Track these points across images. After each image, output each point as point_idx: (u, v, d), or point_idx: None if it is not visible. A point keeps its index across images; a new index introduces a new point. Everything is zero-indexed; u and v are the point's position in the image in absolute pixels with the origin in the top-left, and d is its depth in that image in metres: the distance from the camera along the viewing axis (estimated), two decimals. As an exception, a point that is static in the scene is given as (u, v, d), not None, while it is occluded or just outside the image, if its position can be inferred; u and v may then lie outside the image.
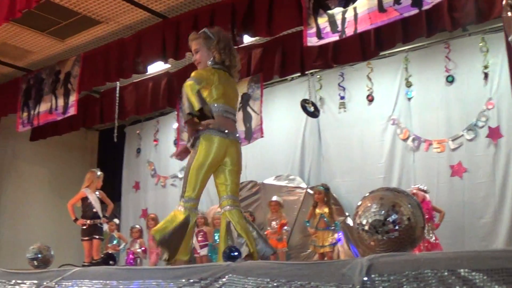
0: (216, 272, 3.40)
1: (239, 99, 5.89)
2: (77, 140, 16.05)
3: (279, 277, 3.16)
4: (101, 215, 9.36)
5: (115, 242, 11.95)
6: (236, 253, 3.56)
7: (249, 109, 10.65)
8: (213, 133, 5.12)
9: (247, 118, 10.65)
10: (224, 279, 3.35)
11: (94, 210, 8.94)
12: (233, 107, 5.44)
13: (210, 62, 5.38)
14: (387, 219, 3.31)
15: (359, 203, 3.53)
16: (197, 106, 4.81)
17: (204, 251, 11.22)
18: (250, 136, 10.57)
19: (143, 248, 11.83)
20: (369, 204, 3.41)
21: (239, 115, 10.74)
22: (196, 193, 5.26)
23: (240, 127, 10.69)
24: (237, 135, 5.48)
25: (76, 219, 9.36)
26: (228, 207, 5.35)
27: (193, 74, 5.21)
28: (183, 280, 3.53)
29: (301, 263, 3.30)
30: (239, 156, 5.41)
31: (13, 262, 11.86)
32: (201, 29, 5.72)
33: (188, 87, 4.94)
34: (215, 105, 5.17)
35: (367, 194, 3.58)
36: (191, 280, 3.49)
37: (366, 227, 3.38)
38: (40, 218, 15.13)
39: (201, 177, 5.21)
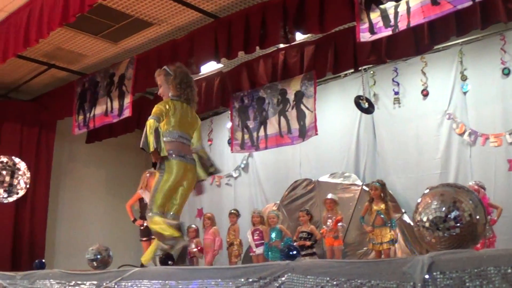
0: (275, 271, 3.38)
1: (199, 125, 6.63)
2: (132, 142, 16.16)
3: (338, 276, 3.13)
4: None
5: (171, 242, 12.02)
6: (294, 252, 3.54)
7: (302, 107, 10.59)
8: (174, 158, 5.96)
9: (300, 116, 10.59)
10: (283, 278, 3.33)
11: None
12: (187, 133, 6.28)
13: (170, 95, 6.27)
14: (448, 216, 3.25)
15: (419, 199, 3.48)
16: (151, 147, 5.68)
17: (260, 250, 11.21)
18: (304, 133, 10.52)
19: (199, 248, 11.88)
20: (429, 201, 3.35)
21: (293, 113, 10.71)
22: (164, 206, 6.03)
23: (294, 125, 10.67)
24: (192, 157, 6.25)
25: (134, 220, 9.43)
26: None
27: (154, 109, 6.03)
28: (242, 280, 3.52)
29: (361, 261, 3.27)
30: (193, 181, 6.27)
31: (70, 263, 12.08)
32: (254, 28, 5.96)
33: (148, 125, 5.78)
34: (173, 131, 6.10)
35: (427, 190, 3.52)
36: (250, 280, 3.48)
37: (427, 224, 3.33)
38: (96, 219, 15.35)
39: (169, 193, 5.97)
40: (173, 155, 5.94)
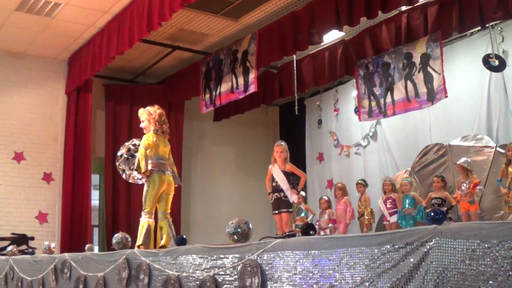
0: (422, 236, 3.25)
1: (169, 148, 8.54)
2: (258, 117, 16.34)
3: (490, 238, 2.98)
4: (284, 187, 9.13)
5: (303, 214, 12.03)
6: (441, 216, 3.41)
7: (429, 70, 10.27)
8: (157, 172, 8.04)
9: (428, 79, 10.28)
10: (431, 243, 3.20)
11: (274, 184, 8.88)
12: (163, 155, 8.23)
13: (152, 129, 8.17)
14: None
15: None
16: (143, 169, 7.90)
17: (393, 218, 11.02)
18: (432, 97, 10.20)
19: (332, 219, 11.82)
20: None
21: (420, 77, 10.42)
22: (153, 209, 8.15)
23: (422, 88, 10.37)
24: (169, 170, 8.22)
25: (270, 193, 9.39)
26: (160, 219, 8.23)
27: (143, 142, 8.05)
28: (388, 246, 3.41)
29: (515, 221, 3.10)
30: (171, 185, 8.23)
31: (206, 238, 12.33)
32: None
33: (140, 153, 7.97)
34: (154, 156, 8.03)
35: None
36: (396, 246, 3.37)
37: None
38: (227, 195, 15.60)
39: (154, 199, 8.09)
40: (155, 170, 7.99)
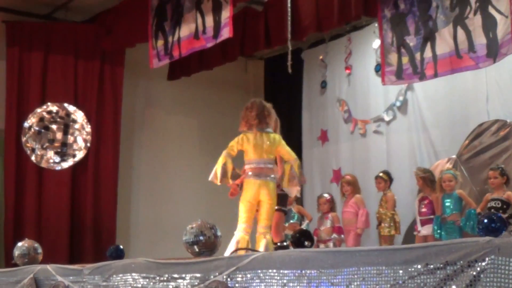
0: (470, 252, 3.21)
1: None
2: (234, 75, 16.34)
3: None
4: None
5: (295, 219, 12.06)
6: (499, 224, 3.40)
7: (491, 11, 10.16)
8: (249, 177, 8.72)
9: (489, 25, 10.00)
10: (483, 263, 3.18)
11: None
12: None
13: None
14: None
15: None
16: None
17: (427, 229, 11.13)
18: (495, 51, 9.97)
19: (336, 226, 11.85)
20: None
21: (476, 21, 10.26)
22: (246, 220, 8.63)
23: (479, 38, 10.12)
24: (271, 176, 8.64)
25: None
26: (261, 233, 8.60)
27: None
28: (419, 266, 3.41)
29: None
30: (270, 193, 8.59)
31: (153, 250, 12.39)
32: None
33: None
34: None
35: None
36: (431, 266, 3.37)
37: None
38: (186, 188, 15.58)
39: (247, 208, 8.60)
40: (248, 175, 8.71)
